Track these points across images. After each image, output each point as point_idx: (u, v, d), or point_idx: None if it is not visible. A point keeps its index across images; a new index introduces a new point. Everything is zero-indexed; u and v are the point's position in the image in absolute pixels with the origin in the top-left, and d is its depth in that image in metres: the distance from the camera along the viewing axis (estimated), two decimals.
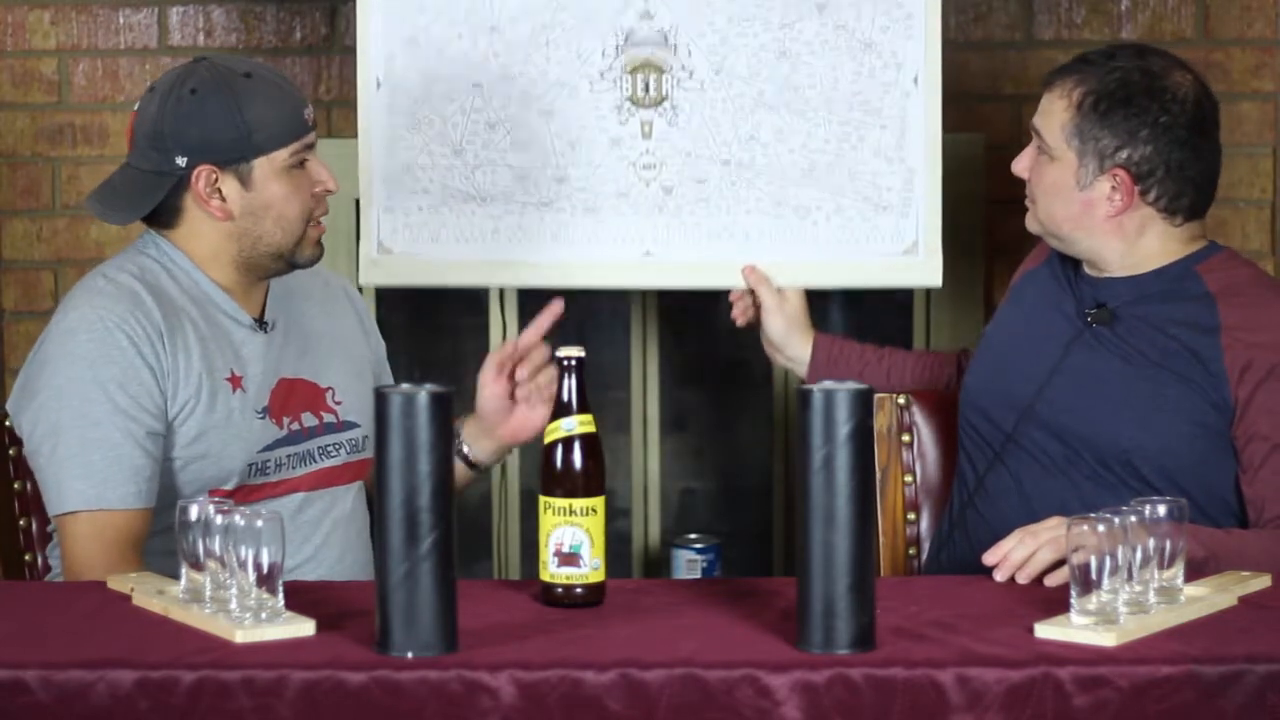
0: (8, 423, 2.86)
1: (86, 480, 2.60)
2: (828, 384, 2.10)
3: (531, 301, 3.66)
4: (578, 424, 2.30)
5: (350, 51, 3.57)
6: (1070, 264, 2.88)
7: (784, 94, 3.33)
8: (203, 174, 2.69)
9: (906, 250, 3.26)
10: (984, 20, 3.88)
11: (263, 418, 2.73)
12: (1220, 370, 2.69)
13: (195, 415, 2.67)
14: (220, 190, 2.70)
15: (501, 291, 3.85)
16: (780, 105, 3.34)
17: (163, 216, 2.75)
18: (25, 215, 3.95)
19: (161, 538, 2.65)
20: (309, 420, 2.78)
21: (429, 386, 2.09)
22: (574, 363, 2.31)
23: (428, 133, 3.38)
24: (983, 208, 3.84)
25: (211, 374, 2.69)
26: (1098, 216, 2.77)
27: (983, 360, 2.95)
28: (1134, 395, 2.73)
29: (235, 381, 2.71)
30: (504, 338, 3.84)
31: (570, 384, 2.31)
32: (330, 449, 2.80)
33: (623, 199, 3.33)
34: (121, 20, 3.91)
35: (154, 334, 2.65)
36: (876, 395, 2.85)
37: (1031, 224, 2.86)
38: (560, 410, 2.31)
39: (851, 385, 2.09)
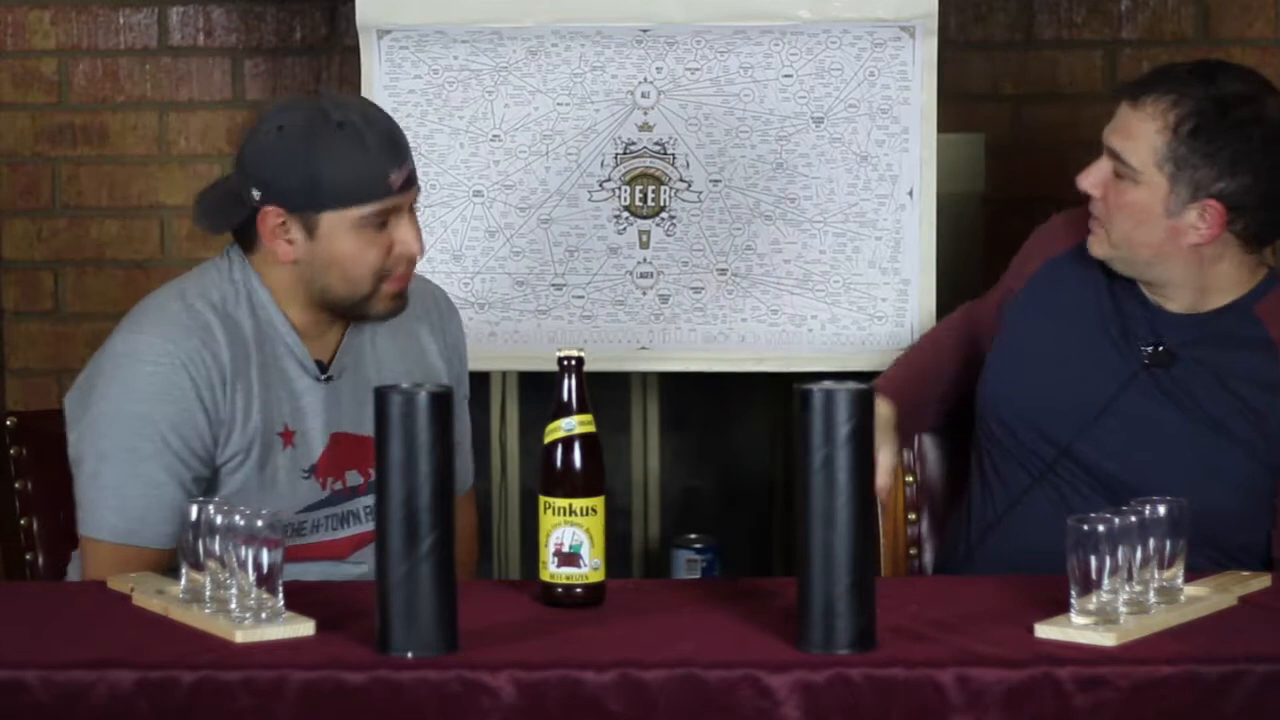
0: (10, 422, 2.86)
1: (121, 514, 2.55)
2: (828, 384, 2.10)
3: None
4: (578, 424, 2.30)
5: (350, 51, 3.58)
6: (1120, 278, 2.75)
7: (780, 205, 3.40)
8: (270, 213, 2.60)
9: (903, 348, 3.31)
10: (984, 20, 3.88)
11: (308, 477, 2.65)
12: (1278, 431, 2.65)
13: (243, 470, 2.61)
14: (288, 231, 2.61)
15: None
16: (776, 216, 3.41)
17: (245, 238, 2.67)
18: (25, 215, 3.95)
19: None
20: (353, 479, 2.68)
21: (429, 387, 2.09)
22: (574, 363, 2.31)
23: (427, 239, 3.43)
24: (983, 208, 3.84)
25: (267, 428, 2.61)
26: (1182, 244, 2.65)
27: (1011, 367, 2.82)
28: (1188, 455, 2.65)
29: (287, 437, 2.63)
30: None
31: (570, 384, 2.31)
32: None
33: (620, 306, 3.42)
34: (121, 20, 3.91)
35: (217, 379, 2.58)
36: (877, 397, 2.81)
37: (1099, 248, 2.72)
38: (560, 410, 2.31)
39: (851, 385, 2.09)
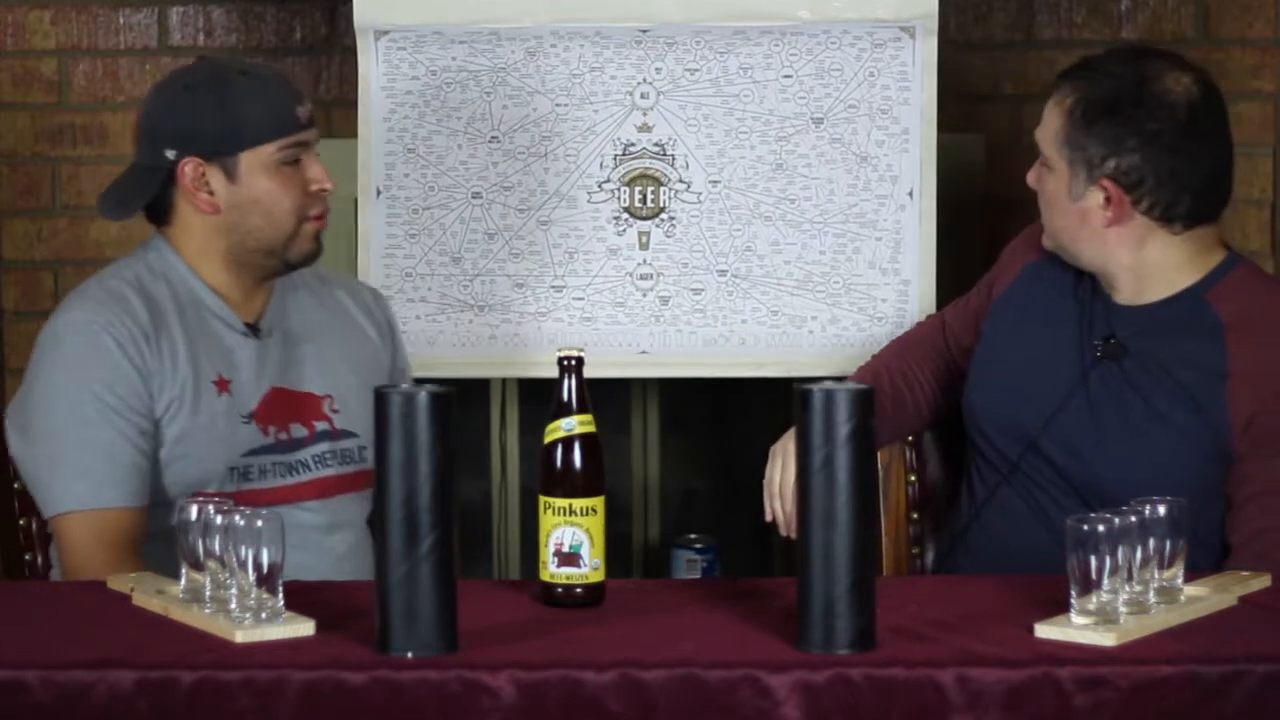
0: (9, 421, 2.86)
1: (84, 481, 2.61)
2: (828, 384, 2.10)
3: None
4: (578, 424, 2.30)
5: (350, 52, 3.58)
6: (1086, 278, 2.79)
7: (780, 206, 3.41)
8: (189, 165, 2.71)
9: None
10: (984, 20, 3.88)
11: (248, 422, 2.72)
12: (1223, 422, 2.64)
13: (180, 417, 2.68)
14: (208, 183, 2.72)
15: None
16: (776, 217, 3.41)
17: (158, 213, 2.77)
18: (25, 215, 3.94)
19: (150, 544, 2.64)
20: (298, 431, 2.76)
21: (429, 387, 2.09)
22: (574, 363, 2.31)
23: (426, 242, 3.45)
24: (983, 208, 3.84)
25: (198, 376, 2.69)
26: (1094, 227, 2.69)
27: (989, 374, 2.85)
28: (1139, 447, 2.67)
29: (222, 384, 2.71)
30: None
31: (570, 384, 2.31)
32: (326, 458, 2.78)
33: (620, 308, 3.43)
34: (121, 20, 3.91)
35: (139, 336, 2.67)
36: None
37: (1046, 241, 2.80)
38: (560, 410, 2.31)
39: (851, 385, 2.09)
